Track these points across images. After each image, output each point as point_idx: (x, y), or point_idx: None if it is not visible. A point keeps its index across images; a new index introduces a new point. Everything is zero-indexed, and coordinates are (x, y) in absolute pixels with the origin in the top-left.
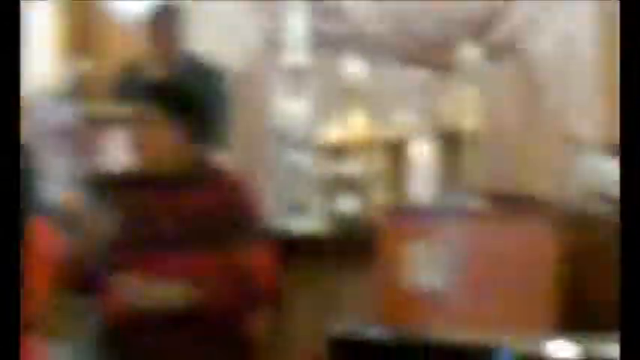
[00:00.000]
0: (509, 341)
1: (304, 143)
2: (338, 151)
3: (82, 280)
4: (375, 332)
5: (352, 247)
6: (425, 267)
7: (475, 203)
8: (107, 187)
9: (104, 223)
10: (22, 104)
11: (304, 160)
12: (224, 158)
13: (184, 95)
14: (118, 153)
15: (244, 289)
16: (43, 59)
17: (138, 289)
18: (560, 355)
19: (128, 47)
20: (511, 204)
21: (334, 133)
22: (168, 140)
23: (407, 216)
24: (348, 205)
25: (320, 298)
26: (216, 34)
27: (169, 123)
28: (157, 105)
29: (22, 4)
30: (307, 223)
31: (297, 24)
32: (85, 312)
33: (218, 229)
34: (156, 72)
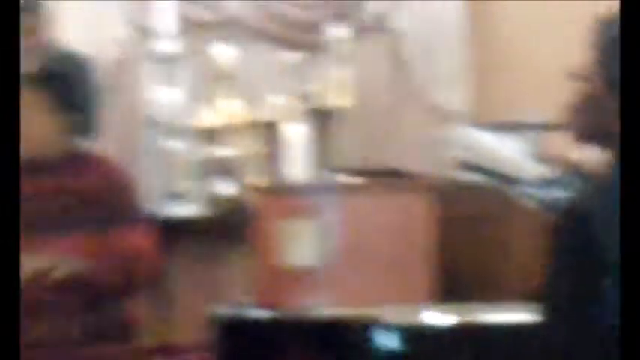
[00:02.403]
0: (387, 313)
1: (179, 129)
2: (212, 136)
3: None
4: (253, 312)
5: (230, 229)
6: (300, 245)
7: (348, 179)
8: None
9: None
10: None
11: (180, 146)
12: (96, 146)
13: (61, 83)
14: None
15: (128, 266)
16: None
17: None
18: (437, 323)
19: None
20: (383, 178)
21: (208, 117)
22: (46, 128)
23: (281, 195)
24: (224, 187)
25: (201, 280)
26: (84, 24)
27: (48, 111)
28: (36, 93)
29: None
30: (186, 208)
31: (165, 11)
32: None
33: (96, 213)
34: (25, 64)
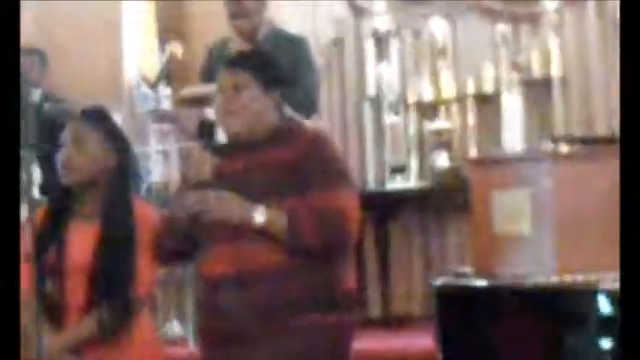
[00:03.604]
0: (604, 281)
1: (397, 104)
2: (429, 109)
3: (179, 250)
4: (472, 281)
5: (447, 200)
6: (515, 214)
7: (562, 147)
8: (208, 156)
9: (209, 158)
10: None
11: (398, 120)
12: (319, 123)
13: (272, 63)
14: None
15: (336, 225)
16: (137, 48)
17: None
18: None
19: (217, 29)
20: (597, 145)
21: (424, 92)
22: (260, 106)
23: (495, 165)
24: (441, 160)
25: (421, 250)
26: (301, 6)
27: (261, 90)
28: (249, 73)
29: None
30: (405, 181)
31: None
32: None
33: (303, 179)
34: (241, 46)
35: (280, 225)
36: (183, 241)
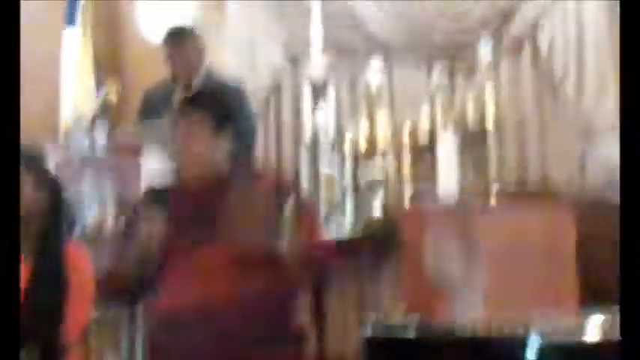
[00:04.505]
0: (536, 326)
1: (332, 152)
2: (364, 157)
3: (126, 291)
4: (402, 328)
5: (381, 248)
6: (446, 258)
7: (494, 197)
8: (156, 200)
9: (156, 231)
10: (58, 130)
11: (334, 168)
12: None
13: (225, 105)
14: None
15: (321, 258)
16: (75, 87)
17: None
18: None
19: (155, 70)
20: (531, 193)
21: (359, 140)
22: (213, 148)
23: (430, 211)
24: (375, 208)
25: (353, 297)
26: (239, 53)
27: (214, 132)
28: (203, 115)
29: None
30: (340, 228)
31: (315, 37)
32: (126, 322)
33: (270, 213)
34: (181, 92)
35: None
36: (133, 280)
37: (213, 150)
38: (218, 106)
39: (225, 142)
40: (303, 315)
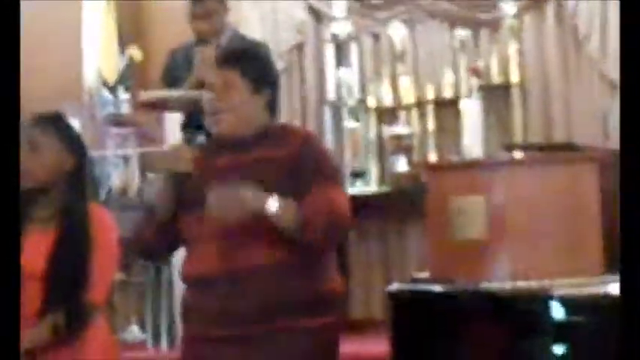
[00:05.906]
0: (557, 286)
1: (356, 109)
2: (388, 114)
3: (147, 250)
4: (427, 286)
5: (405, 204)
6: (471, 219)
7: (518, 154)
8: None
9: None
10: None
11: (357, 124)
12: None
13: (262, 62)
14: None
15: (338, 223)
16: (98, 53)
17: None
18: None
19: (178, 31)
20: (553, 151)
21: (383, 96)
22: (249, 105)
23: (453, 171)
24: (400, 164)
25: (378, 255)
26: (264, 12)
27: (250, 89)
28: (238, 72)
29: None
30: (364, 185)
31: None
32: (150, 285)
33: (297, 178)
34: (210, 49)
35: (291, 216)
36: (161, 237)
37: (252, 106)
38: (254, 63)
39: (262, 99)
40: (333, 279)
